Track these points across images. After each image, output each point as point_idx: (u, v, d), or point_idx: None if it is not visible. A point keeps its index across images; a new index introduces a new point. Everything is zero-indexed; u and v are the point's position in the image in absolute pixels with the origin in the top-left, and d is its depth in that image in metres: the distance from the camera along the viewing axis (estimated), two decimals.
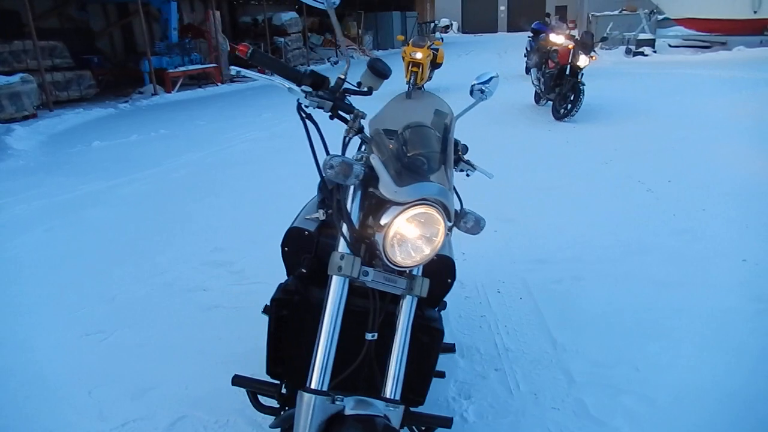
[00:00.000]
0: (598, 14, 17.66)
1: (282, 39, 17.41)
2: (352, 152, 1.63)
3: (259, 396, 1.67)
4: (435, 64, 11.00)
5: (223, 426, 2.10)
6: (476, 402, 2.16)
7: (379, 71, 1.34)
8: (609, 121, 7.34)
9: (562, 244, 3.58)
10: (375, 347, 1.28)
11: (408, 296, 1.29)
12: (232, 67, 1.42)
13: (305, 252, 1.43)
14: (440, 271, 1.39)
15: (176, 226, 4.26)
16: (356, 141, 1.41)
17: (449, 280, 1.45)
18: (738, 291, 2.90)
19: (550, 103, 8.10)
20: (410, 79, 10.19)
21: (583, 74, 7.57)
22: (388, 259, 1.20)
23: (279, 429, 1.55)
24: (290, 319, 1.39)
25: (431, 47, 11.20)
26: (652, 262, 3.27)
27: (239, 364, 2.43)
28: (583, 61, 7.44)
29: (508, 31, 34.30)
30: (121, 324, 2.82)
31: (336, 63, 19.94)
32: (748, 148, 5.64)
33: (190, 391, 2.28)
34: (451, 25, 44.27)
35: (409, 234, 1.19)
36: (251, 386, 1.65)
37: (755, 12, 14.20)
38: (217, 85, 13.65)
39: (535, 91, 8.81)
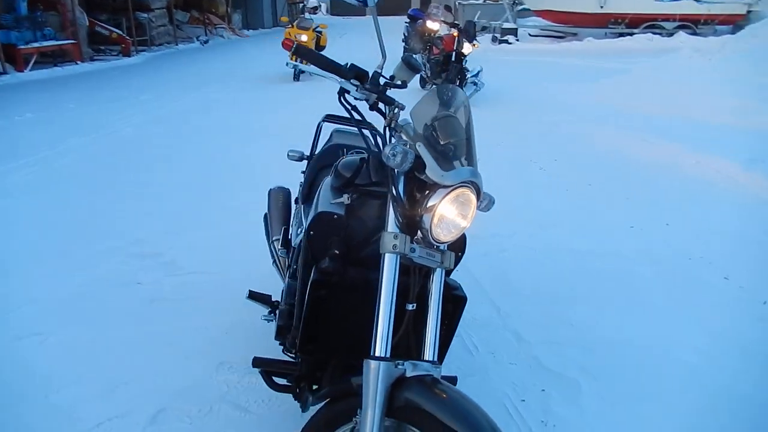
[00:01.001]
0: (465, 3, 18.67)
1: (145, 15, 16.26)
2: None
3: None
4: (319, 47, 11.01)
5: (208, 414, 2.10)
6: (445, 366, 2.36)
7: (413, 66, 1.45)
8: (490, 106, 7.91)
9: (478, 222, 3.90)
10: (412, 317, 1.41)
11: (438, 269, 1.43)
12: (289, 62, 1.45)
13: (333, 235, 1.51)
14: (456, 245, 1.55)
15: (86, 218, 3.98)
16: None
17: (460, 254, 1.62)
18: (635, 253, 3.41)
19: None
20: (296, 61, 10.13)
21: (467, 60, 8.07)
22: (432, 237, 1.34)
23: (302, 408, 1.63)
24: (327, 298, 1.47)
25: (316, 29, 11.18)
26: (564, 234, 3.71)
27: (212, 354, 2.43)
28: (467, 48, 7.93)
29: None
30: (60, 324, 2.64)
31: (206, 42, 19.05)
32: (615, 130, 6.44)
33: (166, 383, 2.23)
34: (320, 6, 43.91)
35: (449, 213, 1.34)
36: (272, 367, 1.70)
37: (601, 7, 15.95)
38: (77, 64, 12.47)
39: (421, 76, 9.19)
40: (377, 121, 1.50)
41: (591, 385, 2.25)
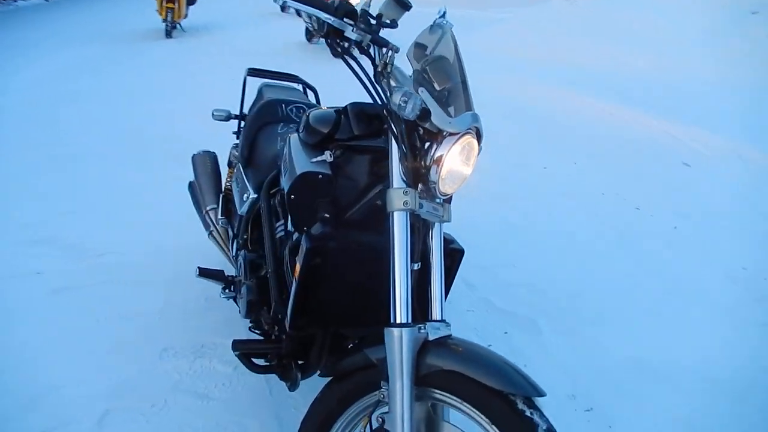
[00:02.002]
0: None
1: None
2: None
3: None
4: (190, 0, 10.16)
5: (164, 408, 1.88)
6: None
7: (403, 1, 1.30)
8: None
9: None
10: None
11: (437, 223, 1.35)
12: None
13: (319, 197, 1.37)
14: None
15: None
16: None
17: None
18: (559, 197, 3.57)
19: (322, 41, 8.22)
20: (166, 16, 9.28)
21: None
22: (439, 189, 1.24)
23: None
24: (322, 266, 1.34)
25: None
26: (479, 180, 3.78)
27: (150, 341, 2.18)
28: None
29: None
30: None
31: None
32: (507, 75, 6.64)
33: (105, 381, 1.96)
34: None
35: (456, 163, 1.25)
36: (253, 349, 1.54)
37: None
38: None
39: (306, 28, 8.82)
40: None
41: (546, 321, 2.34)
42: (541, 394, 1.10)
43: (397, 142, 1.22)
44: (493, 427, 1.10)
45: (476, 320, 2.35)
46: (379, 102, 1.25)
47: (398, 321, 1.18)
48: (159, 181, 3.55)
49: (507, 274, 2.67)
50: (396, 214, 1.21)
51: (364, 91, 1.26)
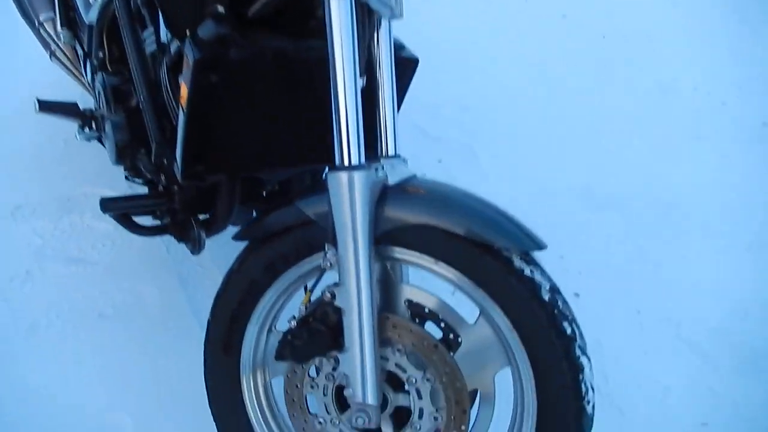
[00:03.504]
0: None
1: None
2: None
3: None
4: None
5: (26, 280, 1.49)
6: None
7: None
8: None
9: None
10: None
11: (385, 22, 0.95)
12: None
13: None
14: None
15: None
16: None
17: None
18: None
19: None
20: None
21: None
22: None
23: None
24: (221, 85, 0.90)
25: None
26: None
27: None
28: None
29: None
30: None
31: None
32: None
33: None
34: None
35: None
36: (131, 207, 1.14)
37: None
38: None
39: None
40: None
41: (480, 145, 2.09)
42: (542, 247, 0.83)
43: None
44: (480, 291, 0.84)
45: (406, 147, 2.04)
46: None
47: (347, 162, 0.83)
48: None
49: (433, 96, 2.33)
50: (335, 1, 0.79)
51: None
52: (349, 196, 0.81)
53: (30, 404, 1.25)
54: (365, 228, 0.82)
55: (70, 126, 1.63)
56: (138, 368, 1.32)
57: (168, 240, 1.61)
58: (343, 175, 0.81)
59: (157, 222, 1.25)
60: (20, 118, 1.92)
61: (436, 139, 2.09)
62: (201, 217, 1.20)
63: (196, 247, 1.19)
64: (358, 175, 0.81)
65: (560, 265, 1.62)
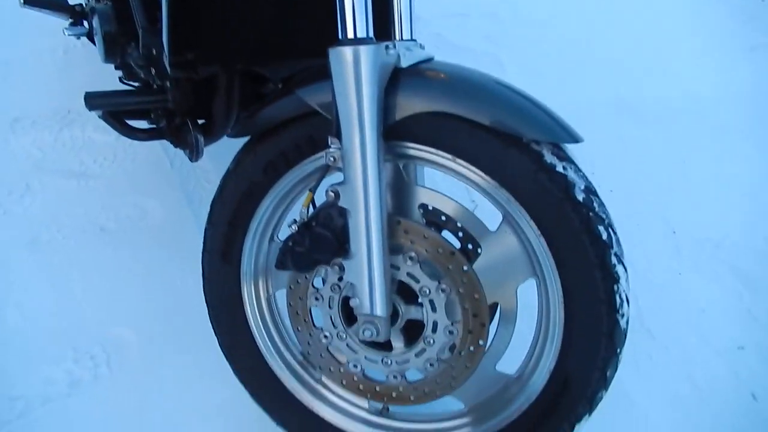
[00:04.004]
0: None
1: None
2: None
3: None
4: None
5: (26, 193, 1.43)
6: None
7: None
8: None
9: None
10: None
11: None
12: None
13: None
14: None
15: None
16: None
17: None
18: None
19: None
20: None
21: None
22: None
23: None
24: None
25: None
26: None
27: None
28: None
29: None
30: None
31: None
32: None
33: None
34: None
35: None
36: (121, 104, 1.04)
37: None
38: None
39: None
40: None
41: (507, 56, 1.92)
42: (577, 140, 0.72)
43: None
44: (504, 191, 0.73)
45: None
46: None
47: (355, 35, 0.71)
48: None
49: (459, 4, 2.14)
50: None
51: None
52: (354, 76, 0.70)
53: (32, 319, 1.20)
54: (373, 115, 0.71)
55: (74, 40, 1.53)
56: (141, 283, 1.27)
57: (172, 155, 1.54)
58: (348, 50, 0.70)
59: (152, 126, 1.15)
60: (18, 27, 1.82)
61: (461, 49, 1.93)
62: (200, 121, 1.10)
63: (194, 154, 1.09)
64: (364, 50, 0.70)
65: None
